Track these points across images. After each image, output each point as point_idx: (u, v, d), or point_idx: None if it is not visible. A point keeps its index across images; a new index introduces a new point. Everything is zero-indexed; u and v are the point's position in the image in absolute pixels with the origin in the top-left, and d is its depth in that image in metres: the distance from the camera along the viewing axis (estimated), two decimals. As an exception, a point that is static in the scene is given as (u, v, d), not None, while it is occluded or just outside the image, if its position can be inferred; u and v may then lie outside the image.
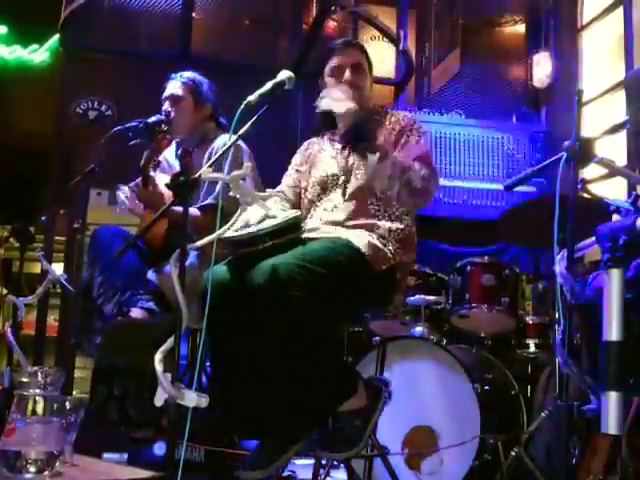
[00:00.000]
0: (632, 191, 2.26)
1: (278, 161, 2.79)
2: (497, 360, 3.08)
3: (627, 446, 1.53)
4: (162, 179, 2.76)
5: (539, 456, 2.61)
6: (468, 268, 3.17)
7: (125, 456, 2.71)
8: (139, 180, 2.75)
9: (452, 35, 5.37)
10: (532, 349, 3.11)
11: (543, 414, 2.61)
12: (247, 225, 2.06)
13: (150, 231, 2.63)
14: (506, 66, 5.53)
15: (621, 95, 4.40)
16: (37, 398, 1.51)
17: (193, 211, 2.69)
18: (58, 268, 3.58)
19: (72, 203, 4.14)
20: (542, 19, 5.29)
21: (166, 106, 2.92)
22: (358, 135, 2.36)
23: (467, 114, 4.74)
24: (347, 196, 2.38)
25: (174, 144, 3.06)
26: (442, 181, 4.31)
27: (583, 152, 1.76)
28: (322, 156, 2.53)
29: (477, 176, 4.49)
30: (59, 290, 4.47)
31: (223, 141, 2.83)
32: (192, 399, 1.44)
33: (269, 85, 1.88)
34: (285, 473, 2.53)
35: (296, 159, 2.64)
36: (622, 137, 3.59)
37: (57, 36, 5.79)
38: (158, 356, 1.44)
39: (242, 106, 1.75)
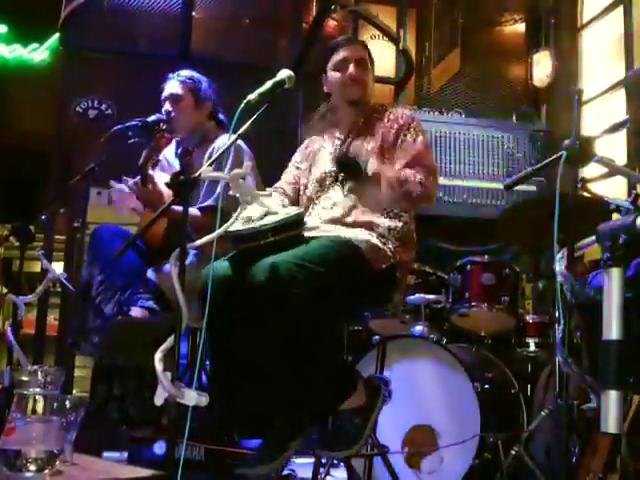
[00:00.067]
0: (632, 190, 2.27)
1: (278, 161, 2.79)
2: (497, 359, 3.09)
3: (627, 445, 1.53)
4: (162, 178, 2.76)
5: (539, 455, 2.62)
6: (468, 267, 3.17)
7: (125, 455, 2.72)
8: (138, 179, 2.75)
9: (452, 34, 5.36)
10: (532, 348, 3.12)
11: (543, 413, 2.61)
12: (249, 220, 2.06)
13: (149, 230, 2.63)
14: (506, 65, 5.51)
15: (621, 94, 4.39)
16: (37, 397, 1.50)
17: (193, 211, 2.69)
18: (58, 267, 3.60)
19: (72, 202, 4.16)
20: (542, 18, 5.27)
21: (167, 106, 2.92)
22: (349, 174, 2.38)
23: (467, 113, 4.72)
24: (346, 190, 2.39)
25: (174, 143, 3.05)
26: (442, 180, 4.30)
27: (583, 151, 1.76)
28: (322, 154, 2.54)
29: (477, 175, 4.47)
30: (59, 289, 4.49)
31: (223, 141, 2.83)
32: (192, 398, 1.44)
33: (269, 84, 1.87)
34: (285, 472, 2.53)
35: (296, 157, 2.65)
36: (622, 136, 3.59)
37: (57, 35, 5.79)
38: (158, 355, 1.44)
39: (242, 105, 1.75)
